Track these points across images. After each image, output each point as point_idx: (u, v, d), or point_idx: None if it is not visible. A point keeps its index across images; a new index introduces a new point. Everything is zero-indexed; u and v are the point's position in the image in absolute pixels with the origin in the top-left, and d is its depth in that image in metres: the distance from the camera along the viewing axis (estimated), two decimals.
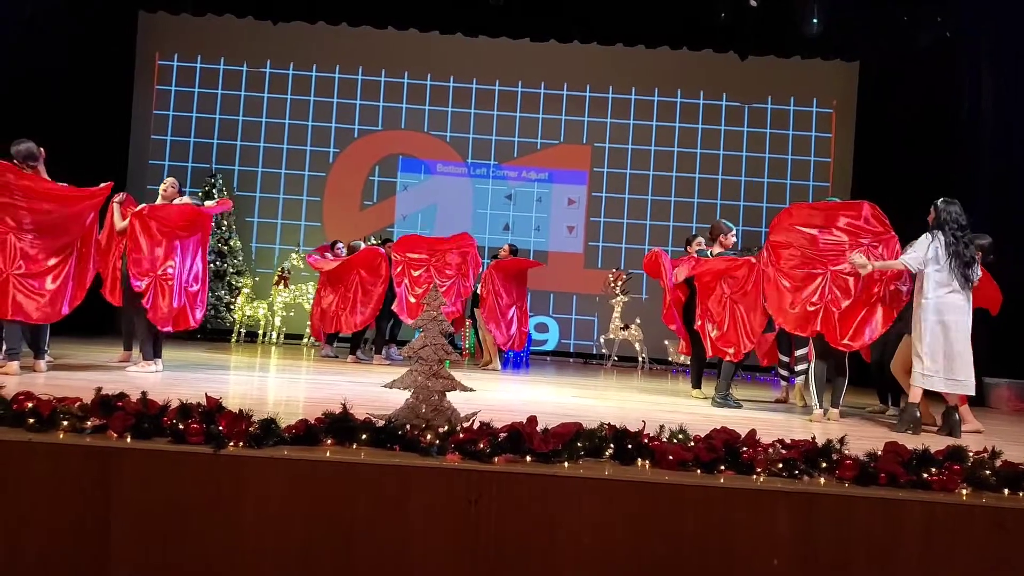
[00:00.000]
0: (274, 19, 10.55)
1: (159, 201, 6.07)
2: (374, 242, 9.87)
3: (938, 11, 8.94)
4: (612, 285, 10.52)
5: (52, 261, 5.09)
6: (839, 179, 11.59)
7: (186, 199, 5.95)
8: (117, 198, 6.21)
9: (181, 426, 2.84)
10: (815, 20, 8.92)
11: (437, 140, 11.72)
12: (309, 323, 9.38)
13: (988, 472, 3.05)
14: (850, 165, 11.45)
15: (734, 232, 6.84)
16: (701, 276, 6.49)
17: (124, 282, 5.86)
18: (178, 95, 11.43)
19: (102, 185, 5.39)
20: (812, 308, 5.43)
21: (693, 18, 9.97)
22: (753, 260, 6.20)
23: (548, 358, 11.25)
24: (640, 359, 10.42)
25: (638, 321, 10.39)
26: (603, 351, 10.86)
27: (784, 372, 6.99)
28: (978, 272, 5.19)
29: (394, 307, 8.11)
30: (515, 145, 11.81)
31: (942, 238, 5.13)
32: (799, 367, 6.82)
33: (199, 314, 5.86)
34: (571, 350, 11.58)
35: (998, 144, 8.67)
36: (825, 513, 2.93)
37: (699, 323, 6.48)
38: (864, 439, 4.33)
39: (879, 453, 3.12)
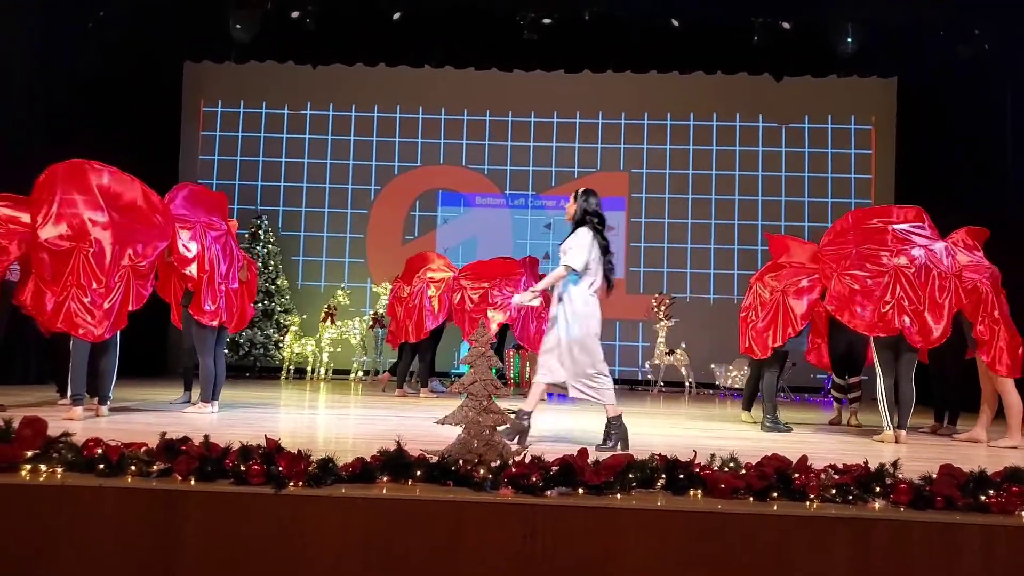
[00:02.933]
0: (314, 63, 10.87)
1: None
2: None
3: (976, 25, 8.83)
4: (656, 310, 10.49)
5: (114, 277, 5.16)
6: (881, 195, 11.43)
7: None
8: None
9: (243, 468, 2.93)
10: (850, 39, 8.88)
11: (475, 173, 11.89)
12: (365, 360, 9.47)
13: None
14: (892, 180, 11.30)
15: None
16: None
17: (185, 319, 6.05)
18: (222, 140, 11.81)
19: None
20: (886, 308, 5.41)
21: (726, 42, 10.00)
22: None
23: None
24: (687, 384, 10.35)
25: (683, 345, 10.33)
26: (648, 377, 10.80)
27: (838, 394, 6.89)
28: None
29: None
30: (552, 174, 11.91)
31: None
32: (852, 393, 6.75)
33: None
34: (616, 376, 11.52)
35: None
36: (881, 539, 2.90)
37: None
38: (930, 461, 4.26)
39: (934, 476, 3.08)
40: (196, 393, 6.22)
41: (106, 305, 5.06)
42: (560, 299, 4.81)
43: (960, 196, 9.41)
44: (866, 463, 3.16)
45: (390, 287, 9.31)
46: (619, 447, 4.54)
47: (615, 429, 4.66)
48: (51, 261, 5.05)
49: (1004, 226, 7.31)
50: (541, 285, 5.12)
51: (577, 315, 4.74)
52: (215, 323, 5.78)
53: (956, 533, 2.87)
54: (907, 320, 5.37)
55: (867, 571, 2.87)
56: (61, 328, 5.10)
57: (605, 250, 4.87)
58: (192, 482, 2.93)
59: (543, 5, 9.31)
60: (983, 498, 2.95)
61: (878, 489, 3.03)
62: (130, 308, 5.26)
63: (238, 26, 8.96)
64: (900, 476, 3.07)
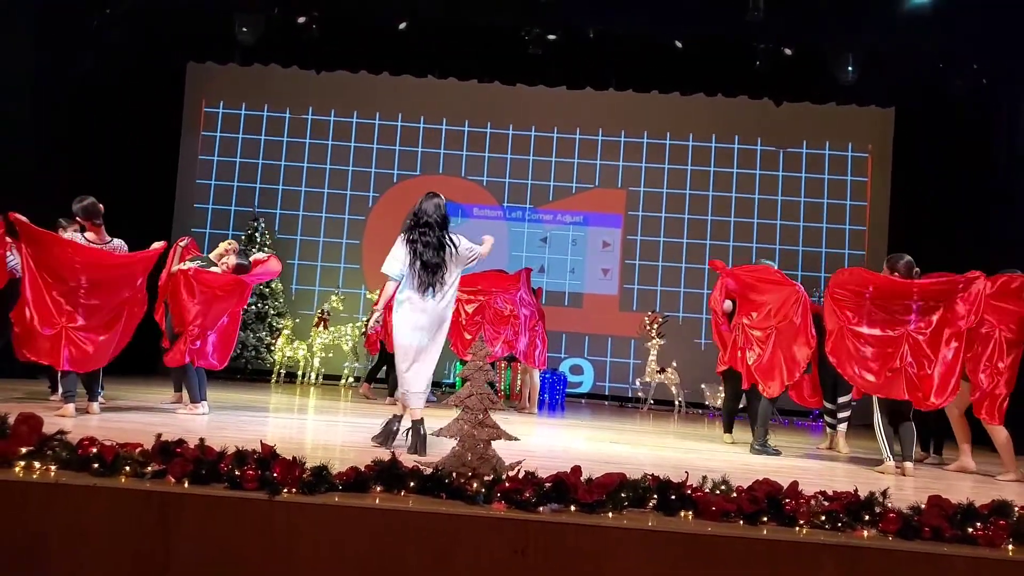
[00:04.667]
0: (317, 68, 10.91)
1: (213, 254, 6.33)
2: None
3: (974, 58, 8.96)
4: (648, 328, 10.53)
5: (106, 319, 5.38)
6: (876, 222, 11.54)
7: (232, 259, 6.15)
8: (181, 242, 6.53)
9: (237, 472, 2.94)
10: (850, 68, 8.99)
11: (474, 184, 11.93)
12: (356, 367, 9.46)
13: None
14: (886, 208, 11.41)
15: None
16: (737, 278, 6.33)
17: (169, 328, 6.10)
18: (223, 141, 11.82)
19: (153, 248, 5.65)
20: (891, 373, 5.29)
21: (728, 66, 10.10)
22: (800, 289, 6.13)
23: (583, 400, 11.24)
24: (676, 403, 10.37)
25: (674, 364, 10.37)
26: (639, 394, 10.83)
27: (830, 420, 6.90)
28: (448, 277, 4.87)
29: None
30: (550, 189, 11.97)
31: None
32: (841, 414, 6.74)
33: (215, 359, 6.11)
34: (606, 392, 11.56)
35: None
36: (868, 566, 2.92)
37: (736, 346, 6.22)
38: (920, 491, 4.29)
39: (923, 506, 3.11)
40: (187, 394, 6.21)
41: (102, 337, 5.35)
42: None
43: (954, 227, 9.52)
44: (856, 491, 3.19)
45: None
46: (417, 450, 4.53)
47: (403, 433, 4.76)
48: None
49: (1001, 257, 7.36)
50: (381, 301, 5.19)
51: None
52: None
53: (943, 564, 2.90)
54: (909, 387, 5.26)
55: None
56: None
57: (415, 252, 4.85)
58: (186, 485, 2.93)
59: (548, 21, 9.38)
60: (970, 530, 2.98)
61: (867, 517, 3.06)
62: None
63: (243, 29, 8.99)
64: (889, 505, 3.10)
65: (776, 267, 6.80)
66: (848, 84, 9.33)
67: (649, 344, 10.45)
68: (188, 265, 6.03)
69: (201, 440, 3.11)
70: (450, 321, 5.01)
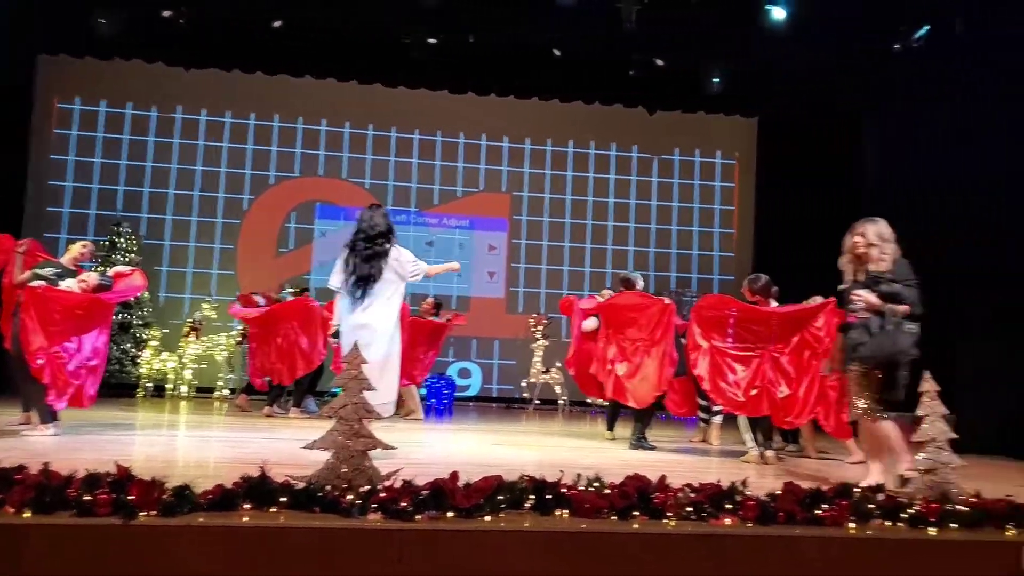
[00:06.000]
0: (186, 65, 10.41)
1: (66, 258, 5.85)
2: (290, 290, 9.75)
3: (825, 74, 9.62)
4: (533, 329, 10.67)
5: None
6: (743, 226, 12.16)
7: (93, 277, 5.68)
8: (19, 248, 5.87)
9: (87, 498, 2.73)
10: (716, 79, 9.45)
11: (356, 187, 11.73)
12: (231, 378, 9.07)
13: (872, 506, 3.27)
14: (752, 213, 12.06)
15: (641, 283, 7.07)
16: (607, 310, 6.62)
17: (15, 344, 5.56)
18: (80, 140, 11.09)
19: None
20: (756, 391, 5.59)
21: (605, 75, 10.39)
22: (667, 301, 6.38)
23: (471, 404, 11.26)
24: (561, 402, 10.55)
25: (558, 364, 10.53)
26: (525, 395, 10.94)
27: (703, 415, 7.17)
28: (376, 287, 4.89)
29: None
30: (435, 192, 11.93)
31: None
32: (716, 408, 7.02)
33: (92, 391, 5.58)
34: (494, 395, 11.62)
35: (881, 193, 9.34)
36: (731, 553, 3.06)
37: (607, 363, 6.43)
38: (780, 479, 4.52)
39: (778, 493, 3.30)
40: (36, 415, 5.74)
41: None
42: None
43: (813, 229, 10.15)
44: (719, 482, 3.34)
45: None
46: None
47: None
48: None
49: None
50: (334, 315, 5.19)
51: None
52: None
53: (795, 545, 3.08)
54: (772, 406, 5.59)
55: None
56: None
57: (351, 264, 4.89)
58: (28, 515, 2.70)
59: (429, 26, 9.35)
60: (818, 512, 3.19)
61: (729, 506, 3.20)
62: None
63: (101, 20, 8.42)
64: (748, 494, 3.26)
65: (642, 282, 7.10)
66: (714, 94, 9.80)
67: (534, 345, 10.59)
68: (37, 283, 5.50)
69: (45, 464, 2.88)
70: (395, 336, 4.93)
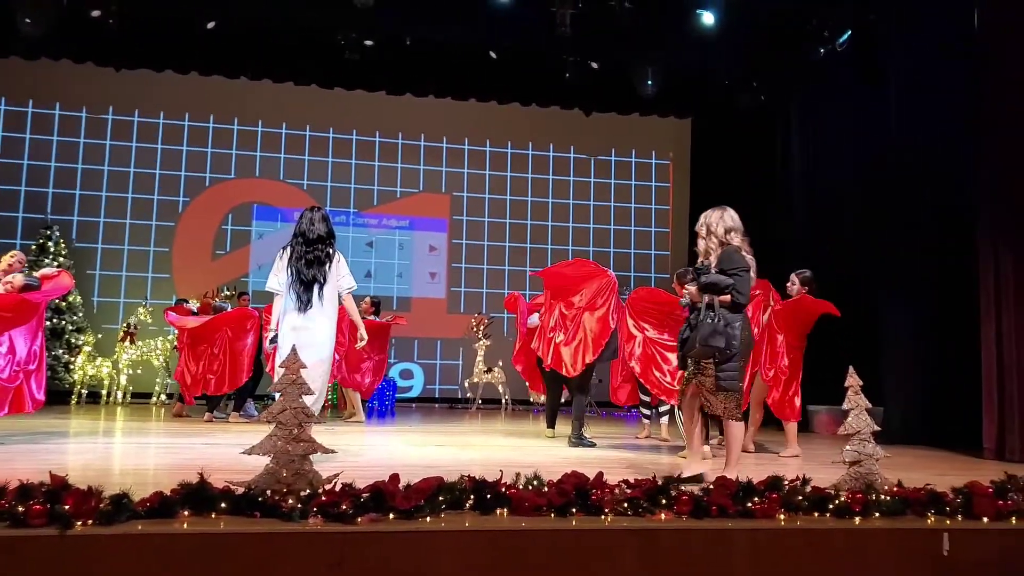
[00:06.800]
0: (117, 66, 10.16)
1: None
2: (227, 293, 9.62)
3: (753, 77, 9.95)
4: (475, 329, 10.74)
5: None
6: (678, 224, 12.45)
7: (18, 278, 5.55)
8: None
9: (21, 508, 2.70)
10: (649, 82, 9.67)
11: (293, 188, 11.61)
12: (167, 383, 8.88)
13: (801, 498, 3.41)
14: (687, 211, 12.35)
15: None
16: (552, 276, 6.70)
17: None
18: (7, 141, 10.72)
19: None
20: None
21: (541, 77, 10.52)
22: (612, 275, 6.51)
23: (414, 405, 11.26)
24: (503, 401, 10.65)
25: (501, 364, 10.64)
26: (468, 395, 11.00)
27: (646, 411, 7.31)
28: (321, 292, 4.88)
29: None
30: (375, 193, 11.90)
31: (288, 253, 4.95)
32: (663, 407, 7.15)
33: (39, 395, 5.48)
34: (436, 395, 11.66)
35: (806, 189, 9.72)
36: (665, 546, 3.17)
37: (547, 331, 6.51)
38: (716, 472, 4.68)
39: (711, 487, 3.43)
40: None
41: None
42: None
43: (748, 225, 10.47)
44: (654, 477, 3.46)
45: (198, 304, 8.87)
46: None
47: None
48: None
49: (780, 254, 8.22)
50: (272, 318, 5.12)
51: None
52: None
53: (726, 537, 3.21)
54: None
55: None
56: None
57: (292, 267, 4.90)
58: None
59: (364, 27, 9.32)
60: (749, 505, 3.33)
61: (664, 501, 3.31)
62: None
63: (27, 19, 8.18)
64: (683, 488, 3.39)
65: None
66: (648, 96, 10.03)
67: (476, 345, 10.66)
68: None
69: None
70: (332, 341, 4.92)
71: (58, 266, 9.06)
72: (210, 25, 9.26)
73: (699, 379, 4.29)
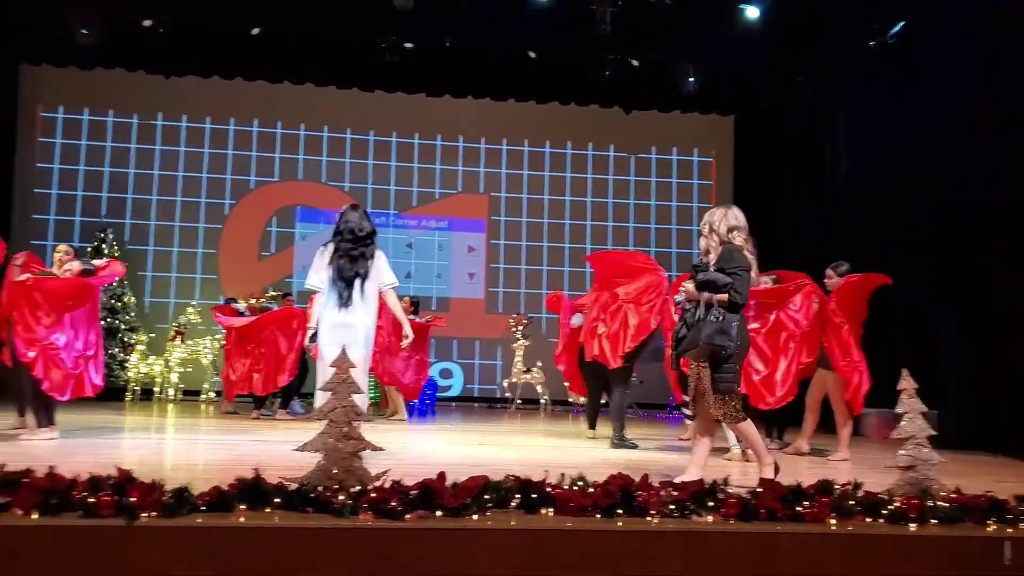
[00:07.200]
0: (167, 73, 10.43)
1: (54, 265, 5.94)
2: (272, 294, 9.81)
3: (798, 71, 9.80)
4: (513, 329, 10.78)
5: None
6: None
7: (76, 265, 5.80)
8: (17, 260, 5.97)
9: (92, 500, 2.83)
10: (691, 79, 9.61)
11: (335, 190, 11.78)
12: (217, 381, 9.09)
13: (853, 502, 3.35)
14: None
15: None
16: (601, 259, 6.71)
17: (9, 344, 5.69)
18: (64, 148, 11.09)
19: None
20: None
21: (580, 76, 10.51)
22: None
23: (453, 404, 11.35)
24: (542, 401, 10.68)
25: (539, 364, 10.66)
26: (507, 395, 11.06)
27: (688, 412, 7.27)
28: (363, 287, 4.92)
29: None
30: (414, 195, 12.01)
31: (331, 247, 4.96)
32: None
33: (98, 380, 5.71)
34: (475, 395, 11.74)
35: (855, 186, 9.54)
36: (712, 549, 3.17)
37: (592, 322, 6.46)
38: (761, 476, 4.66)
39: (759, 490, 3.42)
40: (32, 418, 5.80)
41: None
42: None
43: (788, 224, 10.37)
44: (701, 480, 3.46)
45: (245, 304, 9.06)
46: None
47: None
48: None
49: (823, 250, 8.07)
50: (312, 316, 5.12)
51: None
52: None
53: (776, 541, 3.18)
54: (750, 386, 5.69)
55: None
56: None
57: (334, 264, 4.91)
58: (35, 516, 2.79)
59: (404, 30, 9.42)
60: (799, 508, 3.28)
61: (711, 504, 3.29)
62: None
63: (83, 31, 8.45)
64: (730, 491, 3.37)
65: None
66: (690, 93, 9.95)
67: (515, 345, 10.70)
68: (24, 276, 5.62)
69: (51, 468, 2.97)
70: (372, 337, 4.96)
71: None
72: (255, 31, 9.45)
73: (696, 380, 4.23)
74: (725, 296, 4.11)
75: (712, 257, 4.24)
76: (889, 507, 3.34)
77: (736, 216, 4.30)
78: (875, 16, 8.45)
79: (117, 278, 7.21)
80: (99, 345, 5.80)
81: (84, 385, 5.59)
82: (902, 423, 3.79)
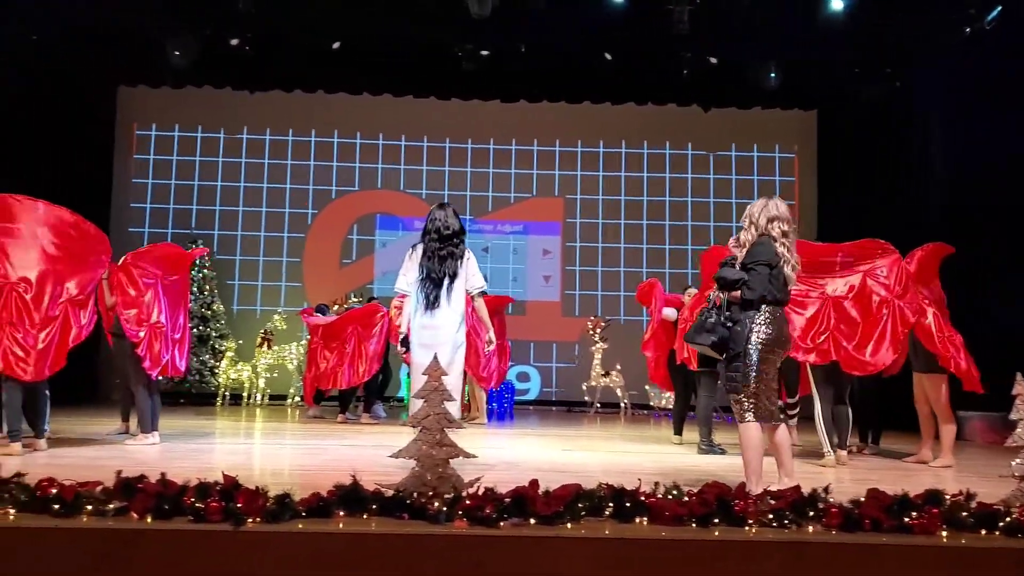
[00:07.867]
0: (251, 89, 10.82)
1: None
2: (355, 299, 10.02)
3: (885, 63, 9.44)
4: (591, 332, 10.71)
5: (51, 314, 5.03)
6: (804, 221, 11.98)
7: None
8: (103, 273, 6.20)
9: (201, 505, 2.94)
10: (772, 74, 9.37)
11: (413, 198, 11.96)
12: (302, 385, 9.36)
13: (965, 514, 3.18)
14: (814, 206, 11.88)
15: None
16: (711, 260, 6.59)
17: (116, 328, 5.89)
18: (157, 164, 11.62)
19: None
20: (821, 339, 5.39)
21: (657, 75, 10.39)
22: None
23: (531, 407, 11.36)
24: (622, 405, 10.57)
25: (619, 367, 10.56)
26: (585, 398, 10.99)
27: (791, 413, 7.07)
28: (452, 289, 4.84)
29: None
30: (489, 200, 12.09)
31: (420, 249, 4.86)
32: (792, 411, 6.89)
33: (182, 364, 5.94)
34: (553, 398, 11.72)
35: (948, 182, 9.11)
36: (813, 560, 3.07)
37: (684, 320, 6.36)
38: (861, 484, 4.51)
39: (862, 500, 3.29)
40: (134, 423, 6.09)
41: (40, 345, 4.95)
42: None
43: (878, 221, 9.98)
44: (799, 488, 3.36)
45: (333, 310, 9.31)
46: None
47: None
48: None
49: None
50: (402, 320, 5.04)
51: None
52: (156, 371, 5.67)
53: (882, 553, 3.05)
54: (841, 351, 5.40)
55: None
56: None
57: (422, 266, 4.83)
58: (149, 520, 2.92)
59: (480, 38, 9.50)
60: (906, 519, 3.13)
61: (812, 513, 3.18)
62: (71, 343, 5.15)
63: (176, 52, 8.87)
64: (831, 500, 3.25)
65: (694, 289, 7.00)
66: (771, 89, 9.71)
67: (593, 348, 10.63)
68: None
69: (163, 474, 3.10)
70: (463, 338, 4.89)
71: (204, 277, 9.99)
72: (335, 45, 9.70)
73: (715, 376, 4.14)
74: (738, 294, 3.98)
75: (743, 251, 4.12)
76: (1006, 519, 3.15)
77: (777, 206, 4.14)
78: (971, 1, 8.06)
79: (200, 255, 7.74)
80: (186, 328, 6.02)
81: (173, 365, 5.81)
82: (1017, 431, 3.62)
